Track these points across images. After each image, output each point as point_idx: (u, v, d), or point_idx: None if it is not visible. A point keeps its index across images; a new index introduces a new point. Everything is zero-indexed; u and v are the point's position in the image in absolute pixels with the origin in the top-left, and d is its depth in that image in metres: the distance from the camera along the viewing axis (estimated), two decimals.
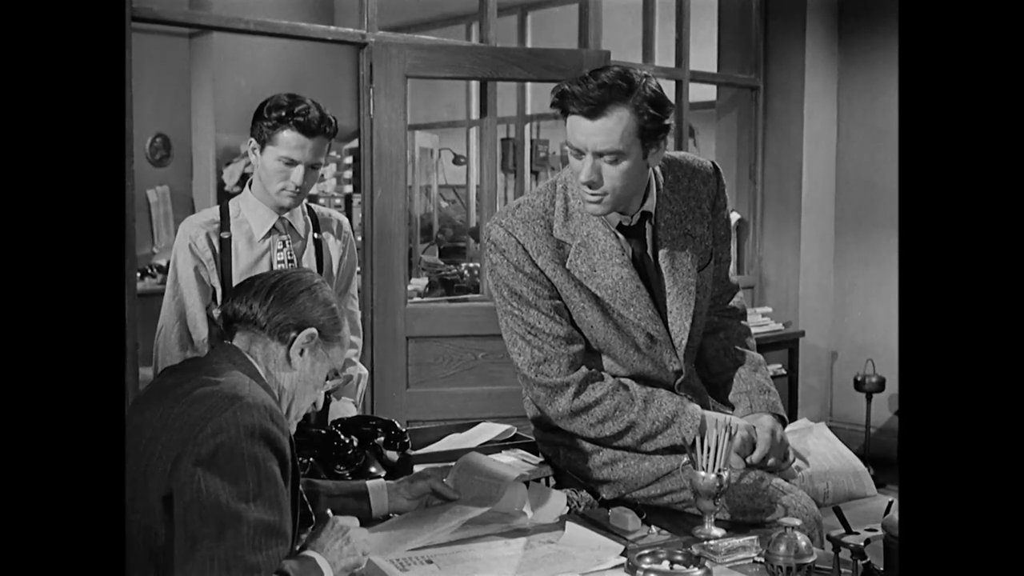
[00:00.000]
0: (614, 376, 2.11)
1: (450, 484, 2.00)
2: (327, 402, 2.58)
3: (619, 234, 2.06)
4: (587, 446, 2.15)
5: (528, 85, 6.21)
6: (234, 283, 2.44)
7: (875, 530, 1.74)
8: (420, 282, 5.42)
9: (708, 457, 1.92)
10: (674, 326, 2.10)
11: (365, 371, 2.88)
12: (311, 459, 2.18)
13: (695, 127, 6.09)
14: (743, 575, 1.76)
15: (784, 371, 5.00)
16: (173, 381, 1.61)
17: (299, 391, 1.71)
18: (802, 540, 1.69)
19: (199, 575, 1.42)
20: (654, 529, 1.97)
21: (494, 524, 1.95)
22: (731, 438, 1.96)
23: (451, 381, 3.96)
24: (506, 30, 5.58)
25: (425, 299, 4.79)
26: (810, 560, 1.68)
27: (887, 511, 1.88)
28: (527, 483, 2.06)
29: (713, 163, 2.22)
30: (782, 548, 1.69)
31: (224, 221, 2.55)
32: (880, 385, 4.97)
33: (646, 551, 1.75)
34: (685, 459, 2.04)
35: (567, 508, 2.04)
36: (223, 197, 3.41)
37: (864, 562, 1.65)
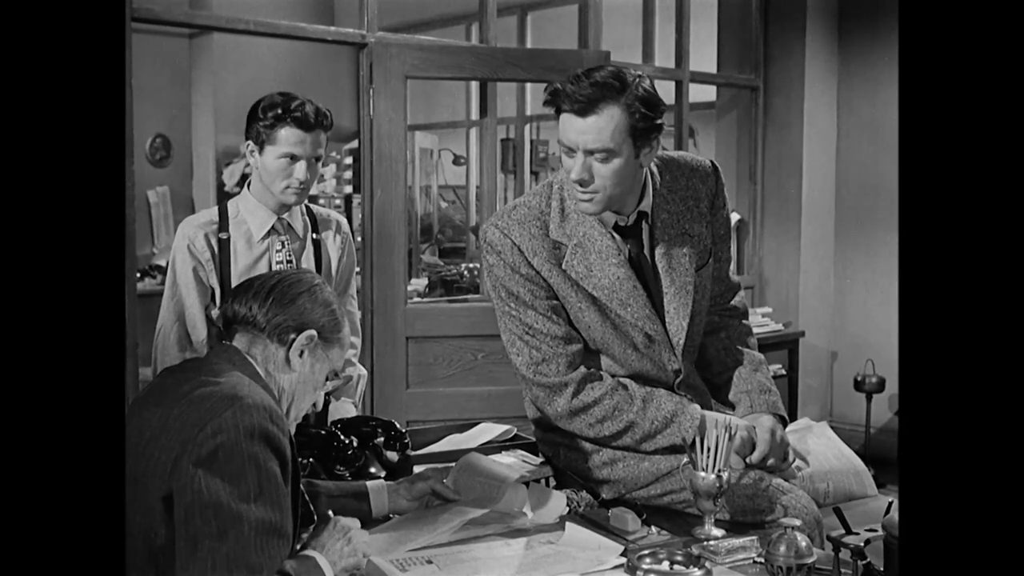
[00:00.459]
0: (613, 376, 2.11)
1: (450, 485, 2.00)
2: (327, 403, 2.58)
3: (615, 234, 2.06)
4: (587, 446, 2.15)
5: (528, 85, 6.21)
6: (233, 284, 2.44)
7: (875, 530, 1.74)
8: (420, 282, 5.42)
9: (708, 457, 1.92)
10: (672, 326, 2.10)
11: (364, 371, 2.88)
12: (311, 459, 2.18)
13: (695, 127, 6.09)
14: (743, 575, 1.76)
15: (784, 371, 5.00)
16: (173, 382, 1.61)
17: (299, 392, 1.71)
18: (802, 540, 1.69)
19: (201, 575, 1.42)
20: (654, 529, 1.97)
21: (494, 524, 1.95)
22: (731, 438, 1.96)
23: (451, 381, 3.96)
24: (506, 30, 5.58)
25: (425, 299, 4.79)
26: (810, 560, 1.68)
27: (887, 511, 1.88)
28: (527, 483, 2.06)
29: (712, 162, 2.22)
30: (782, 548, 1.69)
31: (223, 222, 2.55)
32: (880, 385, 4.97)
33: (646, 551, 1.75)
34: (685, 459, 2.04)
35: (567, 508, 2.04)
36: (223, 197, 3.41)
37: (864, 562, 1.65)
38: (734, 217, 5.11)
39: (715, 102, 5.65)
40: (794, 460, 2.16)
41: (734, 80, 5.33)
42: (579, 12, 4.49)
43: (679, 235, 2.11)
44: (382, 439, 2.29)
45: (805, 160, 5.26)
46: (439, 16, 7.10)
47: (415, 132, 6.83)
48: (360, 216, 4.23)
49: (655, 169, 2.11)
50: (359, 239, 3.92)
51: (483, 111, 4.33)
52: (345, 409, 2.69)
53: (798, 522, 1.71)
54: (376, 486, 1.99)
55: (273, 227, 2.56)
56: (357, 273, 2.93)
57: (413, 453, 2.32)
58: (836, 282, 5.48)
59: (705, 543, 1.85)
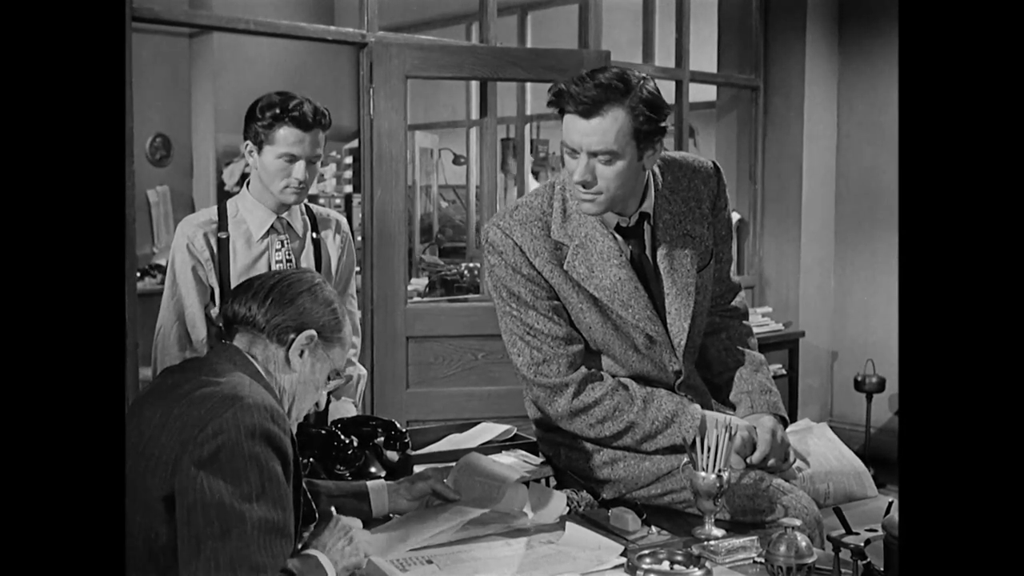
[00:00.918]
0: (614, 376, 2.11)
1: (451, 485, 2.00)
2: (327, 402, 2.58)
3: (617, 235, 2.06)
4: (588, 446, 2.15)
5: (528, 85, 6.21)
6: (232, 283, 2.44)
7: (875, 530, 1.74)
8: (420, 282, 5.42)
9: (708, 457, 1.92)
10: (673, 327, 2.10)
11: (364, 371, 2.88)
12: (311, 459, 2.18)
13: (695, 127, 6.09)
14: (743, 575, 1.76)
15: (784, 371, 5.00)
16: (173, 382, 1.61)
17: (300, 392, 1.70)
18: (802, 540, 1.69)
19: (204, 575, 1.42)
20: (654, 529, 1.97)
21: (494, 524, 1.95)
22: (731, 438, 1.96)
23: (451, 381, 3.95)
24: (506, 30, 5.58)
25: (425, 299, 4.79)
26: (810, 560, 1.68)
27: (887, 511, 1.88)
28: (527, 483, 2.06)
29: (714, 163, 2.22)
30: (782, 548, 1.69)
31: (222, 221, 2.55)
32: (880, 385, 4.97)
33: (646, 551, 1.75)
34: (685, 459, 2.04)
35: (567, 508, 2.04)
36: (223, 197, 3.41)
37: (864, 562, 1.65)
38: (734, 217, 5.11)
39: (715, 102, 5.65)
40: (795, 461, 2.16)
41: (734, 80, 5.33)
42: (579, 12, 4.49)
43: (681, 236, 2.11)
44: (382, 439, 2.29)
45: (805, 160, 5.26)
46: (439, 16, 7.09)
47: (415, 132, 6.83)
48: (360, 216, 4.23)
49: (657, 170, 2.11)
50: (359, 238, 3.92)
51: (483, 111, 4.33)
52: (345, 409, 2.69)
53: (798, 522, 1.71)
54: (376, 486, 1.99)
55: (272, 226, 2.56)
56: (357, 273, 2.93)
57: (413, 453, 2.32)
58: (836, 282, 5.48)
59: (705, 543, 1.85)
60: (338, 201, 6.59)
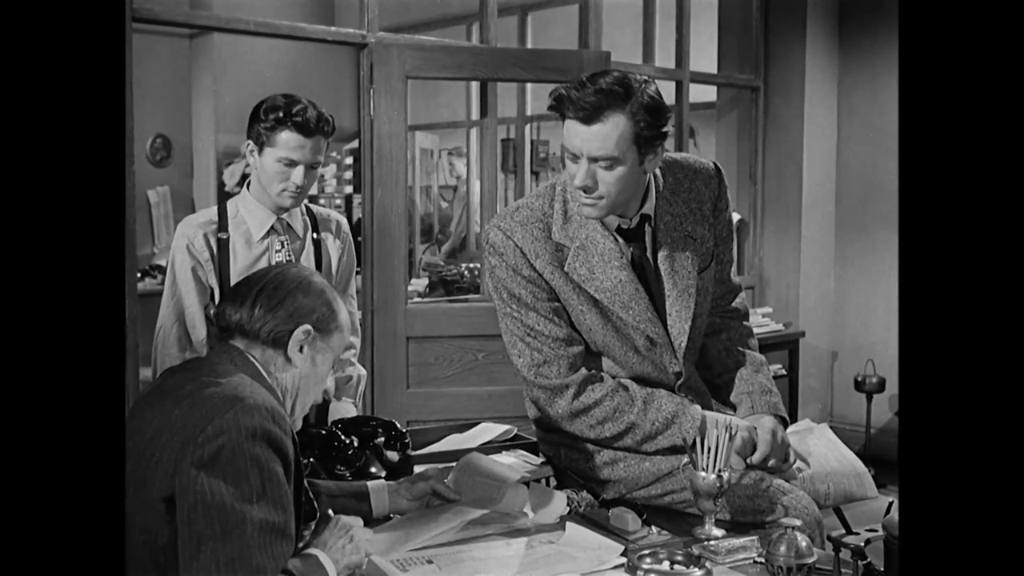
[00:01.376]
0: (614, 377, 2.11)
1: (451, 485, 2.00)
2: (327, 402, 2.58)
3: (618, 237, 2.06)
4: (588, 446, 2.15)
5: (528, 86, 6.21)
6: (232, 284, 2.44)
7: (875, 531, 1.74)
8: (420, 282, 5.42)
9: (708, 457, 1.92)
10: (674, 328, 2.10)
11: (364, 371, 2.88)
12: (311, 459, 2.18)
13: (695, 128, 6.09)
14: (743, 575, 1.76)
15: (784, 371, 5.00)
16: (174, 382, 1.61)
17: (303, 387, 1.70)
18: (802, 540, 1.69)
19: None
20: (654, 529, 1.97)
21: (495, 524, 1.95)
22: (731, 439, 1.96)
23: (451, 381, 3.95)
24: (506, 30, 5.58)
25: (425, 299, 4.79)
26: (810, 560, 1.68)
27: (887, 512, 1.88)
28: (528, 484, 2.06)
29: (715, 164, 2.22)
30: (782, 548, 1.69)
31: (222, 221, 2.55)
32: (880, 385, 4.97)
33: (646, 551, 1.75)
34: (685, 459, 2.04)
35: (568, 508, 2.04)
36: (223, 197, 3.41)
37: (864, 563, 1.65)
38: (735, 217, 5.10)
39: (715, 102, 5.65)
40: (795, 461, 2.16)
41: (734, 80, 5.33)
42: (579, 12, 4.49)
43: (682, 238, 2.11)
44: (382, 439, 2.29)
45: (805, 160, 5.26)
46: (439, 16, 7.10)
47: (415, 132, 6.83)
48: (360, 216, 4.23)
49: (658, 172, 2.11)
50: (359, 239, 3.92)
51: (483, 111, 4.33)
52: (345, 409, 2.69)
53: (798, 522, 1.71)
54: (377, 486, 1.99)
55: (272, 227, 2.56)
56: (357, 273, 2.93)
57: (413, 453, 2.32)
58: (836, 282, 5.48)
59: (705, 543, 1.86)
60: (338, 201, 6.59)
